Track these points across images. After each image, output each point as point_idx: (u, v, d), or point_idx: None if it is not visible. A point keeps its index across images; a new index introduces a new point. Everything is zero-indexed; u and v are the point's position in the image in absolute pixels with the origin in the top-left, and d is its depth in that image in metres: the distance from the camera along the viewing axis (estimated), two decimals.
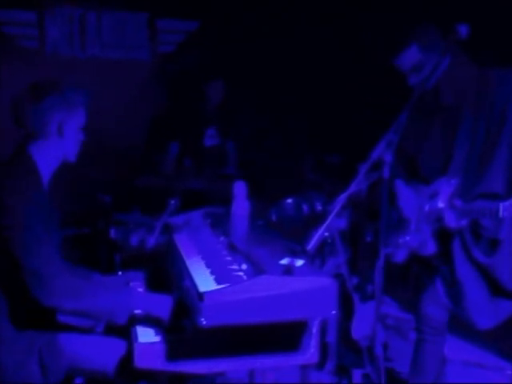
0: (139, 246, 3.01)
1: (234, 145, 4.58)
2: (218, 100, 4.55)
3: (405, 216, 2.54)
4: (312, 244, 1.97)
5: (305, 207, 3.42)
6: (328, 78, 4.71)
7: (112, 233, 3.41)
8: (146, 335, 2.01)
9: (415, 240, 2.47)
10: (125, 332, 2.08)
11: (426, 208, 2.44)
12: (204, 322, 1.83)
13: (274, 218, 3.36)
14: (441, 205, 2.37)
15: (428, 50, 2.31)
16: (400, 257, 2.52)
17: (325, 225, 1.99)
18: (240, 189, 2.82)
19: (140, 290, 2.38)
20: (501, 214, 2.15)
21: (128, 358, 1.99)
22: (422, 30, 2.35)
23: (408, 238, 2.49)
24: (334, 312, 1.95)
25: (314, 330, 1.95)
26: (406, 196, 2.55)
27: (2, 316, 2.02)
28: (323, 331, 2.94)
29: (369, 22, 4.36)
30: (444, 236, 2.41)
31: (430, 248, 2.44)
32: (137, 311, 2.10)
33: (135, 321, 2.09)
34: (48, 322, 2.11)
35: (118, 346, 2.08)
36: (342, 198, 2.01)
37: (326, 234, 2.08)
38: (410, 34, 2.34)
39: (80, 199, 4.16)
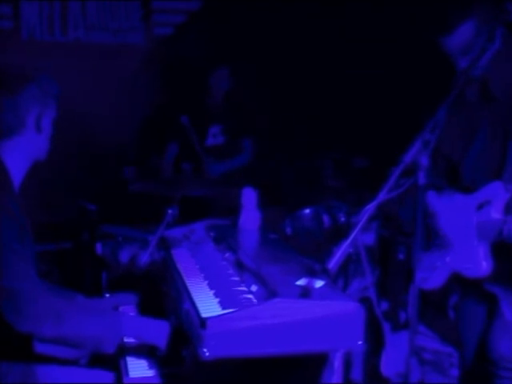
0: (130, 263, 3.03)
1: (250, 143, 4.59)
2: (223, 92, 4.58)
3: (441, 233, 2.52)
4: (334, 262, 1.96)
5: (325, 219, 3.43)
6: (352, 70, 4.72)
7: (98, 248, 3.44)
8: (138, 368, 2.03)
9: (460, 260, 2.44)
10: (113, 364, 2.10)
11: (474, 221, 2.42)
12: (206, 354, 1.84)
13: (289, 231, 3.37)
14: (495, 215, 2.35)
15: (483, 29, 2.31)
16: (436, 282, 2.50)
17: (349, 240, 2.00)
18: (249, 197, 2.83)
19: (131, 314, 2.40)
20: None
21: None
22: (482, 5, 2.36)
23: (448, 258, 2.47)
24: (359, 343, 1.95)
25: (337, 364, 1.96)
26: (442, 208, 2.54)
27: None
28: (347, 366, 2.94)
29: (401, 12, 4.37)
30: (502, 252, 2.38)
31: (485, 268, 2.41)
32: (127, 339, 2.12)
33: (125, 351, 2.11)
34: (23, 352, 2.13)
35: (105, 381, 2.10)
36: (370, 208, 2.01)
37: (351, 250, 2.08)
38: (466, 8, 2.35)
39: (60, 208, 4.20)
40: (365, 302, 2.30)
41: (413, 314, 2.01)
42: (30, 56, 4.55)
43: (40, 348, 2.19)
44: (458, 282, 2.50)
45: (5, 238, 1.97)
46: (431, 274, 2.49)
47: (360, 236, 2.04)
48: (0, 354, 2.07)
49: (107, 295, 2.64)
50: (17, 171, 2.13)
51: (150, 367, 2.06)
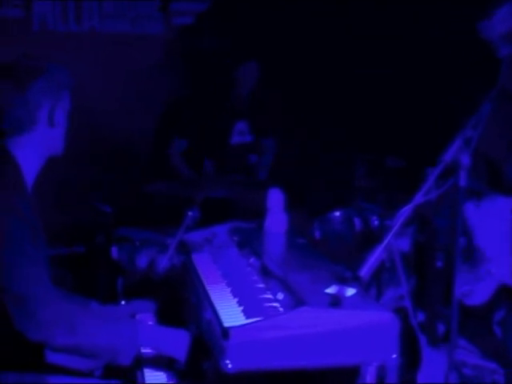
0: (148, 268, 3.05)
1: (274, 143, 4.59)
2: (250, 86, 4.57)
3: (482, 244, 2.50)
4: (366, 269, 1.97)
5: (357, 222, 3.42)
6: (386, 64, 4.70)
7: (114, 252, 3.46)
8: (156, 381, 2.04)
9: (507, 272, 2.42)
10: (129, 376, 2.12)
11: None
12: (229, 366, 1.84)
13: (317, 235, 3.36)
14: None
15: None
16: (481, 297, 2.48)
17: (382, 245, 2.00)
18: (275, 198, 2.84)
19: (149, 323, 2.42)
20: None
21: None
22: None
23: (494, 269, 2.45)
24: (394, 356, 1.95)
25: (369, 379, 1.95)
26: (481, 221, 2.51)
27: None
28: (380, 381, 2.93)
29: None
30: None
31: None
32: (144, 350, 2.14)
33: (142, 362, 2.13)
34: (34, 362, 2.16)
35: None
36: (405, 211, 2.01)
37: (384, 256, 2.08)
38: None
39: (73, 209, 4.24)
40: (399, 312, 2.28)
41: (453, 326, 2.00)
42: (42, 47, 4.59)
43: (52, 358, 2.21)
44: (505, 295, 2.48)
45: (16, 241, 1.99)
46: (474, 287, 2.46)
47: (394, 241, 2.04)
48: (10, 364, 2.10)
49: (123, 302, 2.66)
50: (30, 169, 2.16)
51: (169, 380, 2.07)
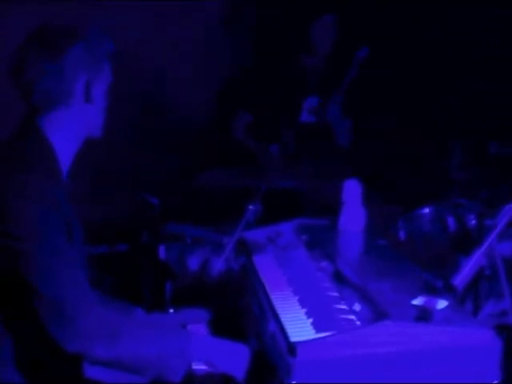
0: (200, 271, 3.08)
1: (350, 125, 4.54)
2: (327, 48, 4.51)
3: None
4: (461, 277, 1.95)
5: (450, 221, 3.37)
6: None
7: (161, 251, 3.50)
8: None
9: None
10: None
11: None
12: None
13: (402, 235, 3.33)
14: None
15: None
16: None
17: (482, 249, 1.97)
18: (352, 191, 2.83)
19: (202, 334, 2.44)
20: None
21: None
22: None
23: None
24: (495, 383, 1.93)
25: None
26: None
27: (6, 365, 2.12)
28: None
29: None
30: None
31: None
32: (197, 366, 2.16)
33: (194, 380, 2.15)
34: (71, 376, 2.20)
35: None
36: (511, 208, 1.98)
37: (484, 262, 2.05)
38: None
39: (115, 201, 4.31)
40: (502, 330, 2.25)
41: None
42: (84, 16, 4.66)
43: (91, 372, 2.26)
44: None
45: (49, 238, 2.01)
46: None
47: (496, 245, 2.01)
48: (43, 378, 2.15)
49: (172, 310, 2.69)
50: (65, 153, 2.18)
51: None
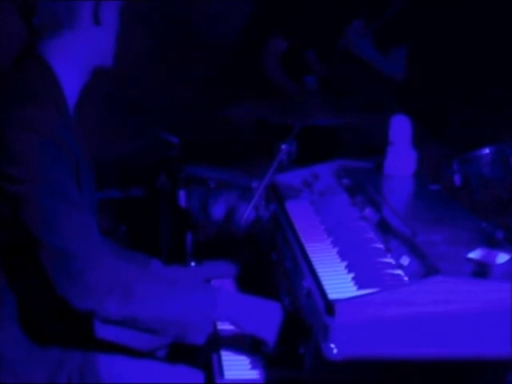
0: (226, 219, 3.09)
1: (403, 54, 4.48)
2: None
3: None
4: None
5: None
6: None
7: (181, 197, 3.51)
8: (237, 367, 2.07)
9: None
10: (202, 359, 2.17)
11: None
12: (334, 351, 1.85)
13: (457, 179, 3.31)
14: None
15: None
16: None
17: None
18: (401, 129, 2.81)
19: (228, 291, 2.44)
20: None
21: None
22: None
23: None
24: None
25: None
26: None
27: (11, 324, 2.14)
28: None
29: None
30: None
31: None
32: (222, 326, 2.18)
33: (219, 342, 2.17)
34: (81, 336, 2.22)
35: (191, 381, 2.17)
36: None
37: None
38: None
39: (129, 139, 4.31)
40: None
41: None
42: None
43: (102, 332, 2.28)
44: None
45: (55, 182, 2.00)
46: None
47: None
48: (50, 339, 2.16)
49: (193, 263, 2.70)
50: (71, 84, 2.18)
51: (253, 367, 2.10)
